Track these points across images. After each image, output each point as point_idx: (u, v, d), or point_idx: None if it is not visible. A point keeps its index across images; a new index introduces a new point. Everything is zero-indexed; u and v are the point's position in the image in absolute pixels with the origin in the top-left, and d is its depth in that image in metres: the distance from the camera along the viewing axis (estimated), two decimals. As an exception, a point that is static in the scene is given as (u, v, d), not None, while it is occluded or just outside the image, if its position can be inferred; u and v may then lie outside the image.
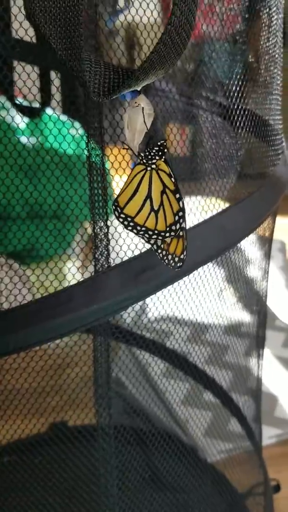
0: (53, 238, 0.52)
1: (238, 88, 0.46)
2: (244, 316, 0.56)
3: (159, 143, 0.24)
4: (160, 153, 0.24)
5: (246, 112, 0.43)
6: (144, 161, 0.24)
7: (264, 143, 0.41)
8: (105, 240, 0.29)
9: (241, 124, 0.43)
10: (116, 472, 0.40)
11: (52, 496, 0.53)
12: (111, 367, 0.38)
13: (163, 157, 0.24)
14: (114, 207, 0.24)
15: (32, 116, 0.57)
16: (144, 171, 0.24)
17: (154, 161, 0.24)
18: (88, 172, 0.28)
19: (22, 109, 0.56)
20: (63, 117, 0.52)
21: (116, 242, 0.30)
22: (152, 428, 0.57)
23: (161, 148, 0.24)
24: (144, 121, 0.24)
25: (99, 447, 0.38)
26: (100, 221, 0.29)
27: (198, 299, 0.43)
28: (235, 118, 0.43)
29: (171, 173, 0.25)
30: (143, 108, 0.24)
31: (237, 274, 0.48)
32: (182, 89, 0.50)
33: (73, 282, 0.48)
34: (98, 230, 0.29)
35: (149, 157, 0.24)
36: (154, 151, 0.24)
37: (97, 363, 0.37)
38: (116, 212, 0.24)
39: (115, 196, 0.24)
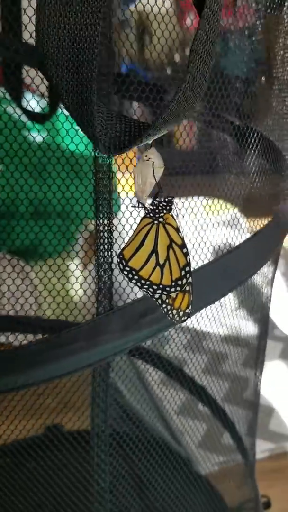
0: (61, 235, 0.52)
1: (250, 108, 0.46)
2: (245, 325, 0.56)
3: (167, 197, 0.24)
4: (168, 207, 0.24)
5: (256, 134, 0.43)
6: (151, 214, 0.24)
7: (276, 172, 0.41)
8: (108, 282, 0.29)
9: (251, 146, 0.43)
10: (110, 479, 0.41)
11: (44, 501, 0.54)
12: (110, 375, 0.38)
13: (171, 211, 0.24)
14: (118, 260, 0.24)
15: (42, 121, 0.56)
16: (151, 224, 0.24)
17: (161, 214, 0.24)
18: (95, 212, 0.28)
19: (31, 115, 0.55)
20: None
21: (120, 284, 0.29)
22: (147, 435, 0.58)
23: (169, 202, 0.24)
24: (154, 175, 0.24)
25: (94, 453, 0.38)
26: (105, 263, 0.28)
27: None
28: (245, 139, 0.43)
29: (178, 227, 0.24)
30: (153, 162, 0.23)
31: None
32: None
33: (80, 280, 0.48)
34: (102, 272, 0.29)
35: (157, 211, 0.24)
36: (161, 205, 0.24)
37: (95, 371, 0.37)
38: (120, 265, 0.24)
39: (121, 248, 0.24)
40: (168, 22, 0.37)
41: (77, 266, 0.52)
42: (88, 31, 0.21)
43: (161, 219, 0.24)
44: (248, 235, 0.42)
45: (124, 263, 0.24)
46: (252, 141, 0.43)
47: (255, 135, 0.43)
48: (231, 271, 0.31)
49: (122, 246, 0.25)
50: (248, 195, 0.44)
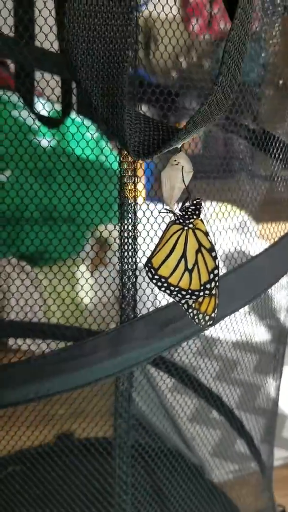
0: (67, 241, 0.51)
1: (265, 112, 0.45)
2: (261, 331, 0.55)
3: (194, 202, 0.24)
4: (197, 212, 0.24)
5: (274, 139, 0.42)
6: (181, 220, 0.24)
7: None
8: (132, 289, 0.28)
9: (270, 151, 0.42)
10: (132, 491, 0.40)
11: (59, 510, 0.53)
12: (133, 384, 0.37)
13: (200, 216, 0.24)
14: (147, 269, 0.24)
15: (51, 126, 0.56)
16: (181, 231, 0.24)
17: (191, 220, 0.24)
18: (119, 218, 0.28)
19: (41, 119, 0.55)
20: (87, 122, 0.51)
21: (144, 292, 0.29)
22: (159, 445, 0.57)
23: (197, 206, 0.24)
24: (183, 179, 0.23)
25: (115, 465, 0.37)
26: (129, 270, 0.28)
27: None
28: (262, 143, 0.42)
29: (208, 232, 0.24)
30: (182, 166, 0.23)
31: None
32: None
33: (86, 286, 0.47)
34: (126, 279, 0.28)
35: (186, 216, 0.23)
36: (190, 210, 0.24)
37: (118, 380, 0.36)
38: (149, 274, 0.24)
39: (148, 257, 0.24)
40: (176, 28, 0.36)
41: (82, 273, 0.51)
42: (120, 33, 0.20)
43: (191, 225, 0.24)
44: (258, 240, 0.41)
45: (154, 272, 0.24)
46: (269, 145, 0.42)
47: (272, 140, 0.42)
48: (255, 278, 0.30)
49: (148, 254, 0.24)
50: (264, 200, 0.43)
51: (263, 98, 0.46)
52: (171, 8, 0.34)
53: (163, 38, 0.37)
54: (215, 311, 0.25)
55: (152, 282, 0.23)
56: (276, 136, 0.43)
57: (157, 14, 0.34)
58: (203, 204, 0.24)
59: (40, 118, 0.54)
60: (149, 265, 0.24)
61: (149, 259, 0.24)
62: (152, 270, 0.23)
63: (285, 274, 0.33)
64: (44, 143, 0.54)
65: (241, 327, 0.50)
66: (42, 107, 0.54)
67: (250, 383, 0.57)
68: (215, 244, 0.24)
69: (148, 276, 0.24)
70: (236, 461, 0.58)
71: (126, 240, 0.27)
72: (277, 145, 0.42)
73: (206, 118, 0.22)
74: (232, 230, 0.43)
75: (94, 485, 0.51)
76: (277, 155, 0.43)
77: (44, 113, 0.54)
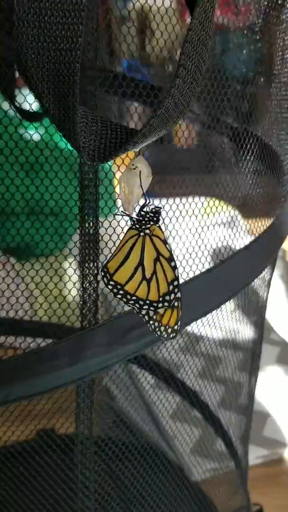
0: (54, 231, 0.51)
1: (247, 111, 0.44)
2: (240, 328, 0.55)
3: (153, 208, 0.23)
4: (155, 218, 0.23)
5: (253, 137, 0.42)
6: (137, 226, 0.23)
7: (273, 177, 0.40)
8: (94, 295, 0.27)
9: (248, 148, 0.42)
10: (95, 496, 0.39)
11: (32, 506, 0.53)
12: (94, 391, 0.36)
13: (158, 222, 0.23)
14: (103, 274, 0.23)
15: (32, 120, 0.55)
16: (137, 236, 0.23)
17: (148, 226, 0.23)
18: (80, 222, 0.27)
19: (22, 112, 0.53)
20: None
21: (106, 297, 0.28)
22: (137, 441, 0.57)
23: (156, 213, 0.23)
24: (141, 184, 0.22)
25: (78, 471, 0.37)
26: (90, 275, 0.27)
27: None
28: (243, 142, 0.42)
29: (166, 239, 0.23)
30: (140, 171, 0.22)
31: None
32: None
33: (73, 277, 0.46)
34: (87, 284, 0.27)
35: (143, 222, 0.23)
36: (148, 216, 0.23)
37: (79, 387, 0.36)
38: (105, 279, 0.23)
39: (106, 261, 0.23)
40: (170, 17, 0.35)
41: (70, 263, 0.50)
42: (70, 31, 0.19)
43: (147, 231, 0.23)
44: (246, 236, 0.40)
45: (109, 277, 0.23)
46: (250, 144, 0.42)
47: (252, 139, 0.42)
48: (228, 280, 0.30)
49: (107, 258, 0.24)
50: (246, 197, 0.43)
51: (246, 96, 0.45)
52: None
53: (157, 29, 0.36)
54: (178, 324, 0.24)
55: (107, 287, 0.23)
56: (258, 135, 0.42)
57: (149, 5, 0.33)
58: (162, 211, 0.23)
59: (21, 111, 0.53)
60: (105, 269, 0.23)
61: (106, 263, 0.23)
62: (107, 275, 0.23)
63: (259, 275, 0.33)
64: (28, 135, 0.52)
65: (222, 324, 0.50)
66: (25, 100, 0.53)
67: (230, 381, 0.57)
68: (173, 251, 0.24)
69: (104, 281, 0.23)
70: (214, 459, 0.58)
71: (87, 244, 0.27)
72: (258, 145, 0.42)
73: (164, 122, 0.21)
74: (223, 225, 0.42)
75: (73, 480, 0.51)
76: (257, 156, 0.42)
77: (26, 105, 0.53)
